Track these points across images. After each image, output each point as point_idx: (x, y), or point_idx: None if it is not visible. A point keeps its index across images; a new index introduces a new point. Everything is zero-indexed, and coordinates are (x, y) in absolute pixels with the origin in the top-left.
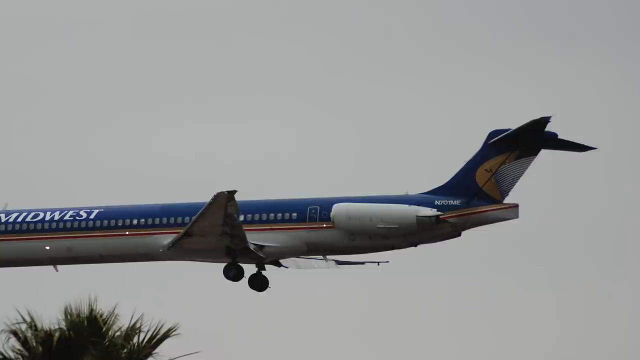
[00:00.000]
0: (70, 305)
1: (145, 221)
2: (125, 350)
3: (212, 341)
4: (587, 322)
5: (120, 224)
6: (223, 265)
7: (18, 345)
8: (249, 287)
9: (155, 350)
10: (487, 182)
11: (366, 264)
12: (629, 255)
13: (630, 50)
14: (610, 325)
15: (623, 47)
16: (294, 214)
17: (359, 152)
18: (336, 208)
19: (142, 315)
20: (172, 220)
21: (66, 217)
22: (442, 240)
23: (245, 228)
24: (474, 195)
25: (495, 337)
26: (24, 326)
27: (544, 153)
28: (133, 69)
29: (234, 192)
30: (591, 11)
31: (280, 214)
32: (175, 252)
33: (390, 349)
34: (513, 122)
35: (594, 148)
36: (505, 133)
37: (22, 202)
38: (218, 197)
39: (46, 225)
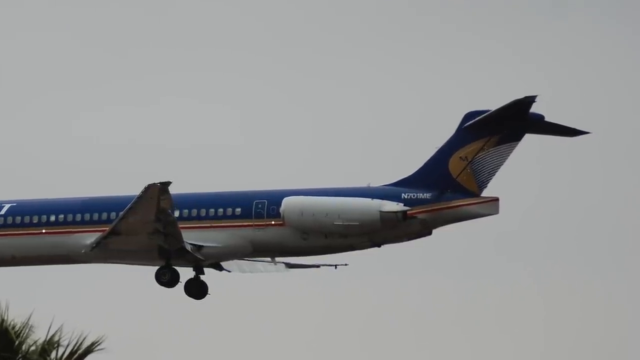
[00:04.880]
0: None
1: (65, 217)
2: None
3: (142, 356)
4: (576, 329)
5: (35, 221)
6: (155, 268)
7: None
8: (185, 294)
9: None
10: (462, 172)
11: (321, 267)
12: (626, 256)
13: (628, 22)
14: (602, 330)
15: (619, 17)
16: (238, 210)
17: (313, 137)
18: (287, 202)
19: (62, 326)
20: (96, 216)
21: None
22: (409, 239)
23: (180, 225)
24: (446, 187)
25: (469, 352)
26: None
27: (528, 138)
28: (52, 43)
29: (168, 183)
30: None
31: (221, 210)
32: (100, 253)
33: None
34: (492, 102)
35: (587, 132)
36: (484, 115)
37: None
38: (149, 189)
39: None
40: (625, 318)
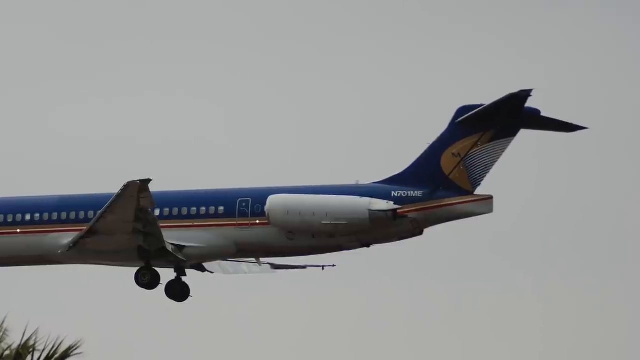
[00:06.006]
0: None
1: (41, 216)
2: None
3: None
4: (573, 331)
5: (9, 220)
6: (135, 269)
7: None
8: (166, 296)
9: None
10: (455, 169)
11: (308, 268)
12: (625, 257)
13: (627, 13)
14: (599, 331)
15: (617, 8)
16: (221, 208)
17: (300, 132)
18: (272, 200)
19: (37, 330)
20: (72, 215)
21: None
22: (400, 239)
23: (161, 225)
24: (439, 185)
25: (462, 356)
26: None
27: (523, 134)
28: (28, 34)
29: (148, 181)
30: None
31: (204, 208)
32: (77, 253)
33: None
34: (486, 96)
35: (585, 128)
36: (477, 110)
37: None
38: (129, 187)
39: None
40: (623, 319)
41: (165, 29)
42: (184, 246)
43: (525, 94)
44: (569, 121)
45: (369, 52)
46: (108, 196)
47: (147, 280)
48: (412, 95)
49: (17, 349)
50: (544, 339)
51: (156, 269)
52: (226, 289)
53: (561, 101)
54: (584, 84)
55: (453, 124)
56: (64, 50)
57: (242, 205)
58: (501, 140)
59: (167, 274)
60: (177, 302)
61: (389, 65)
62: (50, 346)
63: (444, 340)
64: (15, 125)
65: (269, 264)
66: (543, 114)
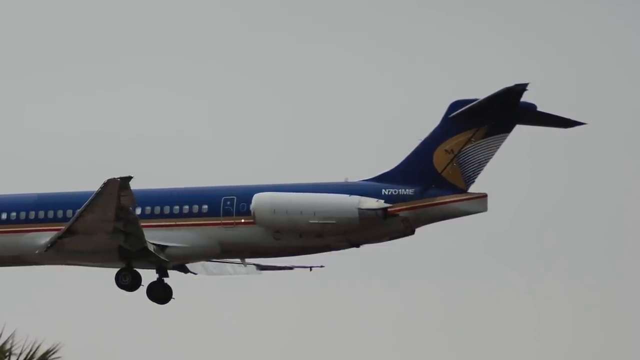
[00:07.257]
0: None
1: (17, 215)
2: None
3: None
4: (570, 333)
5: None
6: (116, 270)
7: None
8: (147, 298)
9: None
10: (447, 166)
11: (295, 269)
12: (623, 257)
13: (627, 2)
14: (597, 333)
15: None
16: (205, 207)
17: (287, 128)
18: (257, 199)
19: (14, 333)
20: (51, 214)
21: None
22: (390, 239)
23: (142, 224)
24: (431, 182)
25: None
26: None
27: (519, 129)
28: (4, 26)
29: (129, 178)
30: None
31: (187, 207)
32: (55, 254)
33: None
34: (480, 91)
35: (582, 123)
36: (471, 104)
37: None
38: (109, 184)
39: None
40: (620, 319)
41: (149, 22)
42: (166, 246)
43: (520, 88)
44: (566, 116)
45: (358, 45)
46: (88, 194)
47: (127, 281)
48: (403, 90)
49: None
50: (539, 339)
51: (137, 270)
52: (210, 290)
53: (558, 96)
54: (581, 79)
55: (446, 119)
56: (42, 44)
57: (227, 204)
58: (496, 136)
59: (148, 275)
60: (159, 305)
61: (379, 59)
62: (28, 350)
63: (436, 343)
64: None
65: (254, 264)
66: (539, 108)
